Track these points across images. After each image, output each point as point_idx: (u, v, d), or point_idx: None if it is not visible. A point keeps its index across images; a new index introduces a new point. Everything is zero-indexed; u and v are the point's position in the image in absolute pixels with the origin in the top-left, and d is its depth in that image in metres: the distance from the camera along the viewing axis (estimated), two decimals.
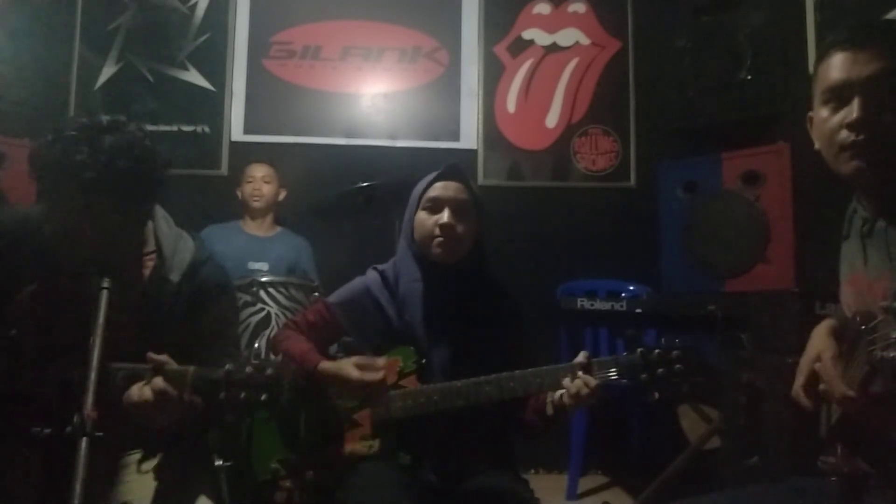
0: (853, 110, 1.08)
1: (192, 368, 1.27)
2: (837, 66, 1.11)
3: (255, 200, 3.34)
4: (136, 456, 1.44)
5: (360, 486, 1.43)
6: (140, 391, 1.25)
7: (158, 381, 1.24)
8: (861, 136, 1.08)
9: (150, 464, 1.43)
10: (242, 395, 1.24)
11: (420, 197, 1.65)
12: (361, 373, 1.53)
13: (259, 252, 3.25)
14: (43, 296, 1.37)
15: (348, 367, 1.54)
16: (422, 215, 1.64)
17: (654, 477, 2.38)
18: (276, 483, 1.59)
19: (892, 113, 1.07)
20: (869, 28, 1.13)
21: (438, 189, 1.63)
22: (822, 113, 1.14)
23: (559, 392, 1.43)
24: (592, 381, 1.40)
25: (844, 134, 1.09)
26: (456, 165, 1.66)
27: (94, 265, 1.25)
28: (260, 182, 3.35)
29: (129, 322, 1.37)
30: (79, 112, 3.58)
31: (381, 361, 1.55)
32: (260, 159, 3.42)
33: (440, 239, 1.60)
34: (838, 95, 1.11)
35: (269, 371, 1.26)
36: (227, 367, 1.26)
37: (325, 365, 1.57)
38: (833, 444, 1.17)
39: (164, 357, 1.28)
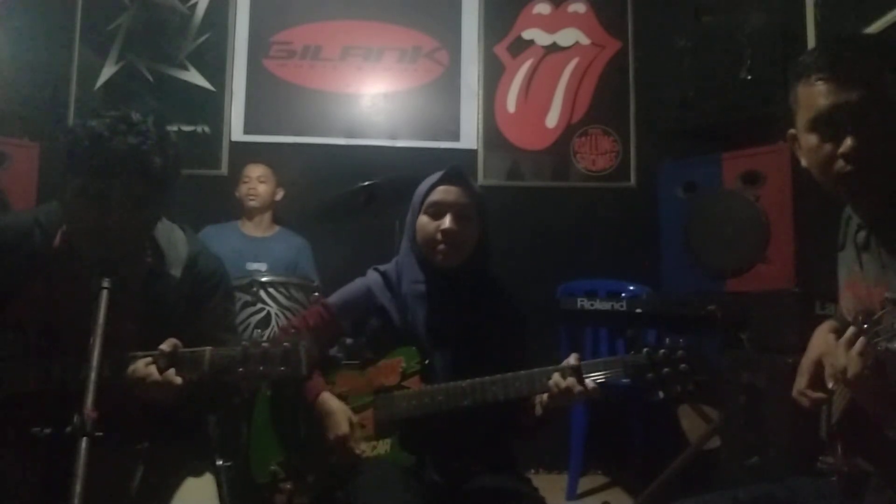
0: (846, 140, 1.07)
1: (208, 349, 1.29)
2: (823, 94, 1.09)
3: (251, 200, 3.35)
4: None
5: (366, 486, 1.43)
6: (146, 368, 1.26)
7: (170, 374, 1.26)
8: (856, 166, 1.07)
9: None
10: (261, 368, 1.27)
11: (422, 201, 1.64)
12: (351, 434, 1.53)
13: (257, 252, 3.25)
14: (45, 296, 1.36)
15: (343, 419, 1.54)
16: (424, 220, 1.63)
17: (654, 477, 2.38)
18: (275, 486, 1.58)
19: (883, 138, 1.06)
20: (849, 52, 1.11)
21: (440, 193, 1.62)
22: (810, 140, 1.14)
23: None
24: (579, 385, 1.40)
25: (840, 164, 1.09)
26: (457, 168, 1.65)
27: (95, 264, 1.24)
28: (255, 182, 3.36)
29: (132, 319, 1.37)
30: (79, 112, 3.56)
31: (362, 446, 1.54)
32: (256, 159, 3.42)
33: (442, 246, 1.59)
34: (826, 122, 1.10)
35: (285, 344, 1.29)
36: (244, 343, 1.29)
37: (325, 402, 1.57)
38: (833, 445, 1.17)
39: (173, 340, 1.29)
